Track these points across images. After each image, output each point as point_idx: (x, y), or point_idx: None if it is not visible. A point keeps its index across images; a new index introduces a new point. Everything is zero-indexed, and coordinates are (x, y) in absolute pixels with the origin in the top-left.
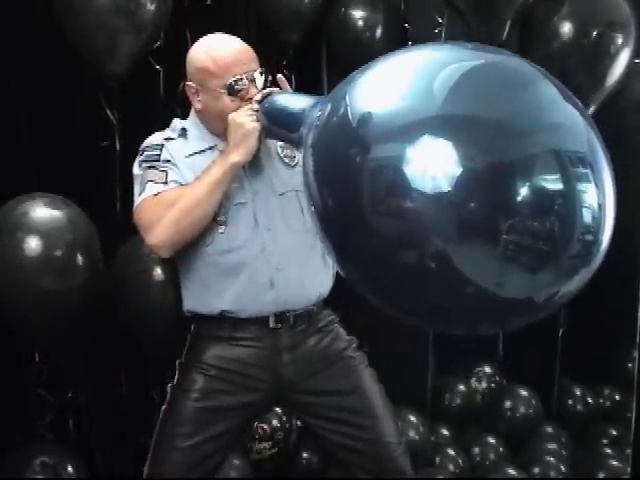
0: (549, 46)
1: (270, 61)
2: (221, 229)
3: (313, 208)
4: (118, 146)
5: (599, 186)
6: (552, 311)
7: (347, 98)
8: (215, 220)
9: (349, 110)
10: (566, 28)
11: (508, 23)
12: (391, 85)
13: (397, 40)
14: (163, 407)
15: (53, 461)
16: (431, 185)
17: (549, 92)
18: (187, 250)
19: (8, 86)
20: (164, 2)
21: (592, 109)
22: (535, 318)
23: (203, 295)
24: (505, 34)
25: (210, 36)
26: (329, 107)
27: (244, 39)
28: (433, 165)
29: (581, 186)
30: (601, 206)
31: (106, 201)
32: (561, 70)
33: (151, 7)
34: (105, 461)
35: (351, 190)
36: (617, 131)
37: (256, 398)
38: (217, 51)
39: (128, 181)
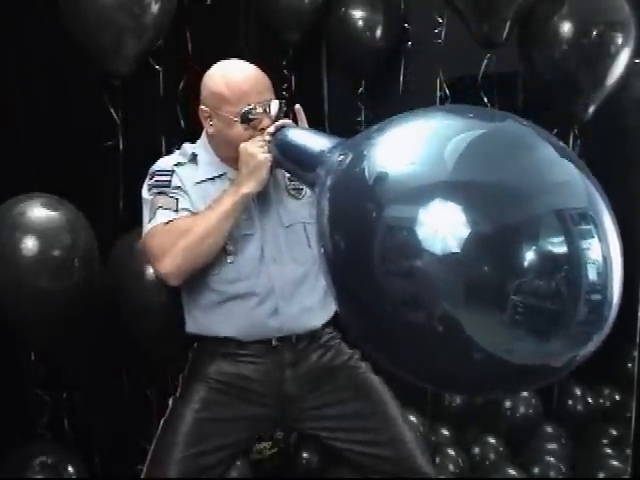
0: (549, 46)
1: (270, 61)
2: (230, 259)
3: (321, 248)
4: (121, 146)
5: (602, 240)
6: (570, 371)
7: (367, 154)
8: (224, 250)
9: (367, 167)
10: (566, 28)
11: (508, 23)
12: (407, 149)
13: (397, 40)
14: (164, 417)
15: (53, 461)
16: (441, 246)
17: (547, 152)
18: (193, 277)
19: (8, 85)
20: (169, 1)
21: (592, 109)
22: (552, 382)
23: (207, 321)
24: (505, 34)
25: (227, 61)
26: (350, 157)
27: (244, 39)
28: (443, 227)
29: (585, 243)
30: (606, 260)
31: (106, 201)
32: (561, 70)
33: (156, 5)
34: (104, 461)
35: (363, 244)
36: (617, 131)
37: (259, 412)
38: (233, 77)
39: (129, 181)
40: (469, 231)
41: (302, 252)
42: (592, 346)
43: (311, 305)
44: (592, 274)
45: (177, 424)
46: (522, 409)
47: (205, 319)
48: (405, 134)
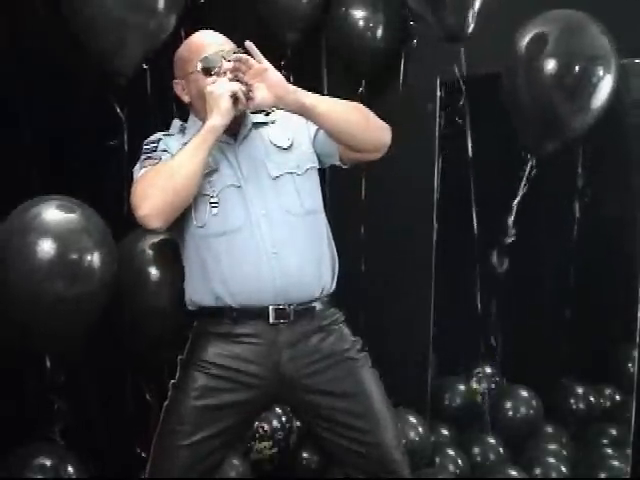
0: None
1: (269, 61)
2: (214, 211)
3: None
4: (126, 146)
5: None
6: None
7: None
8: (208, 202)
9: None
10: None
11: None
12: None
13: (398, 40)
14: (165, 404)
15: (53, 461)
16: None
17: None
18: (185, 233)
19: (11, 85)
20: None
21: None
22: None
23: (200, 281)
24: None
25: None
26: None
27: (243, 39)
28: None
29: None
30: None
31: (111, 201)
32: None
33: (162, 3)
34: (105, 461)
35: None
36: (617, 131)
37: (256, 395)
38: (191, 39)
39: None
40: None
41: (292, 203)
42: None
43: (306, 263)
44: None
45: (179, 413)
46: (522, 409)
47: (199, 278)
48: None
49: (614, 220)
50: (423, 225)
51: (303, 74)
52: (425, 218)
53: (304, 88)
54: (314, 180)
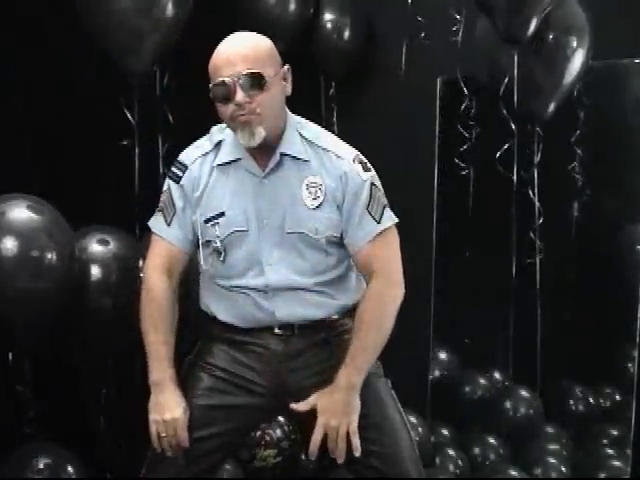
0: None
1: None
2: (220, 257)
3: None
4: (137, 148)
5: None
6: None
7: None
8: (212, 248)
9: None
10: None
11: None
12: None
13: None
14: None
15: (53, 461)
16: None
17: None
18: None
19: (19, 86)
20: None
21: (552, 107)
22: None
23: (211, 305)
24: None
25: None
26: None
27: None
28: None
29: None
30: None
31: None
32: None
33: (173, 6)
34: (105, 461)
35: None
36: (617, 131)
37: (257, 402)
38: (218, 48)
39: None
40: None
41: (301, 263)
42: None
43: (309, 311)
44: None
45: None
46: (523, 409)
47: (210, 302)
48: None
49: (614, 220)
50: (423, 225)
51: (303, 76)
52: (425, 218)
53: (303, 95)
54: (333, 246)
